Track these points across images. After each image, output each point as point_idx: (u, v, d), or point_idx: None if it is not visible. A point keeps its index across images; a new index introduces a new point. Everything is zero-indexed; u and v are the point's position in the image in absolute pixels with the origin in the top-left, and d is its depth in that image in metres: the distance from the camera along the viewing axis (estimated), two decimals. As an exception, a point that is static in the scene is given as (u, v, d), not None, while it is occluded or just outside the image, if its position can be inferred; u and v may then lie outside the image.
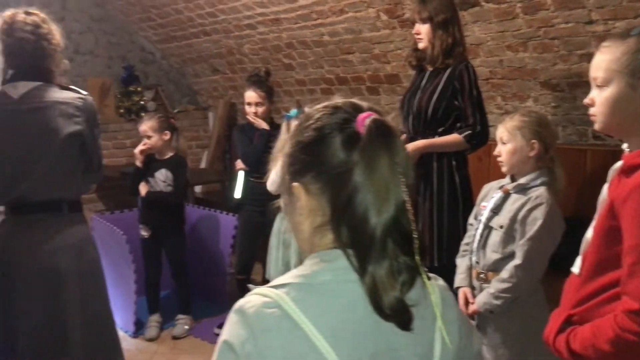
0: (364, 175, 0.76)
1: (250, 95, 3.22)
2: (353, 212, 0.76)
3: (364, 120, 0.78)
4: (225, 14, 4.02)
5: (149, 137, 3.21)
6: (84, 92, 2.08)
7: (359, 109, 0.82)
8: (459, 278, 2.00)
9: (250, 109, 3.22)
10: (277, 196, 3.00)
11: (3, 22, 1.97)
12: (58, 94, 1.98)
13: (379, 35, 3.36)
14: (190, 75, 5.32)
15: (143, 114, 4.87)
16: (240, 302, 0.77)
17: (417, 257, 0.78)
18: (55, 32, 2.02)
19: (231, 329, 0.76)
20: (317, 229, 0.82)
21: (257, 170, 3.27)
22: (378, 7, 3.15)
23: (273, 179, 2.89)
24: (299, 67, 4.14)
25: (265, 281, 3.24)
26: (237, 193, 3.37)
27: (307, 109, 2.78)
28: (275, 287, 0.78)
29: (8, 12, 2.00)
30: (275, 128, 3.28)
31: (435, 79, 2.39)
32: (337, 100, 0.85)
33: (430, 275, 0.84)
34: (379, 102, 3.77)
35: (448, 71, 2.34)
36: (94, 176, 2.17)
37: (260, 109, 3.20)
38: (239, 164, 3.35)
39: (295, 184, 0.82)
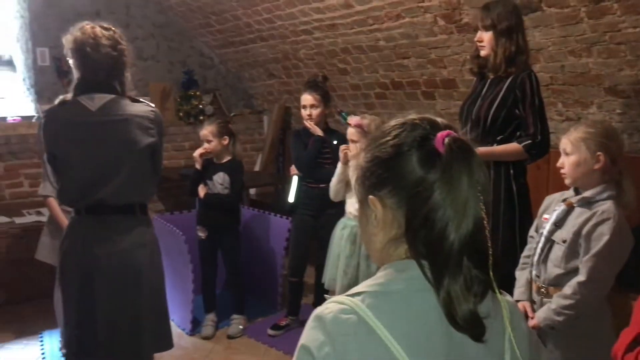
0: (444, 194, 0.78)
1: (306, 98, 3.26)
2: (431, 228, 0.78)
3: (443, 139, 0.80)
4: (282, 20, 4.08)
5: (209, 142, 3.31)
6: (152, 105, 2.20)
7: (436, 127, 0.84)
8: (518, 291, 1.96)
9: (305, 112, 3.27)
10: (331, 202, 3.05)
11: (85, 35, 2.03)
12: (133, 107, 2.09)
13: (436, 40, 3.33)
14: (246, 79, 5.43)
15: (201, 118, 5.02)
16: (318, 309, 0.81)
17: (491, 273, 0.80)
18: (125, 46, 2.12)
19: (309, 333, 0.79)
20: (391, 241, 0.85)
21: (310, 175, 3.32)
22: (435, 12, 3.13)
23: (331, 186, 2.93)
24: (354, 72, 4.16)
25: (318, 285, 3.27)
26: (291, 197, 3.42)
27: (352, 119, 2.81)
28: (351, 295, 0.81)
29: (87, 26, 2.06)
30: (329, 133, 3.31)
31: (496, 87, 2.35)
32: (413, 115, 0.87)
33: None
34: (435, 107, 3.74)
35: (510, 79, 2.30)
36: (156, 180, 2.27)
37: (315, 112, 3.24)
38: (293, 169, 3.40)
39: (371, 197, 0.85)
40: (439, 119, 0.86)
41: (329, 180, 3.12)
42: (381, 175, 0.84)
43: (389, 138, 0.84)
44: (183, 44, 5.14)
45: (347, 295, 0.81)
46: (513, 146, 2.31)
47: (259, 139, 5.60)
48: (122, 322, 2.08)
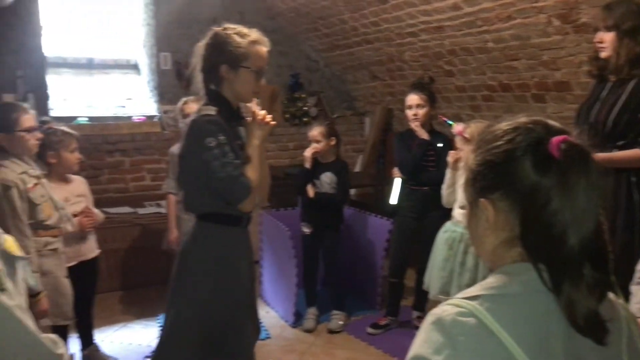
0: (563, 200, 0.78)
1: (412, 97, 3.27)
2: (549, 233, 0.79)
3: (558, 144, 0.80)
4: (389, 23, 4.13)
5: (317, 142, 3.42)
6: (205, 113, 1.94)
7: (551, 131, 0.83)
8: (636, 308, 1.86)
9: (410, 112, 3.28)
10: (434, 204, 3.05)
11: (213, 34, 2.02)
12: (192, 117, 2.02)
13: (549, 41, 3.22)
14: (349, 81, 5.54)
15: (305, 119, 5.20)
16: (435, 312, 0.82)
17: (612, 276, 0.81)
18: (224, 46, 1.97)
19: (426, 336, 0.80)
20: (503, 243, 0.85)
21: (414, 178, 3.33)
22: (550, 12, 3.02)
23: (445, 193, 2.93)
24: (460, 74, 4.11)
25: (419, 288, 3.29)
26: (393, 199, 3.45)
27: (455, 127, 2.75)
28: (467, 298, 0.82)
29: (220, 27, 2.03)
30: (434, 135, 3.31)
31: (618, 90, 2.24)
32: (525, 119, 0.86)
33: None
34: (545, 110, 3.61)
35: (633, 82, 2.19)
36: (226, 197, 2.03)
37: (421, 112, 3.25)
38: (396, 171, 3.43)
39: (482, 199, 0.86)
40: (552, 122, 0.85)
41: (432, 183, 3.12)
42: (493, 179, 0.84)
43: (501, 142, 0.84)
44: (291, 48, 5.34)
45: (463, 298, 0.82)
46: (635, 152, 2.19)
47: (360, 140, 5.68)
48: (254, 314, 2.19)
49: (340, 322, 3.53)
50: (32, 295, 2.25)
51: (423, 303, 3.41)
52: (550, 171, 0.79)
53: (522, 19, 3.22)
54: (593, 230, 0.79)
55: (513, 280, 0.82)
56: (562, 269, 0.78)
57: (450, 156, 2.82)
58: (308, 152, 3.43)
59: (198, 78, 2.02)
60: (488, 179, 0.85)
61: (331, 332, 3.47)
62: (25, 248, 2.25)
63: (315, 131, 3.45)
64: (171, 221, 3.31)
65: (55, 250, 2.47)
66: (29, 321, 0.82)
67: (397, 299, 3.51)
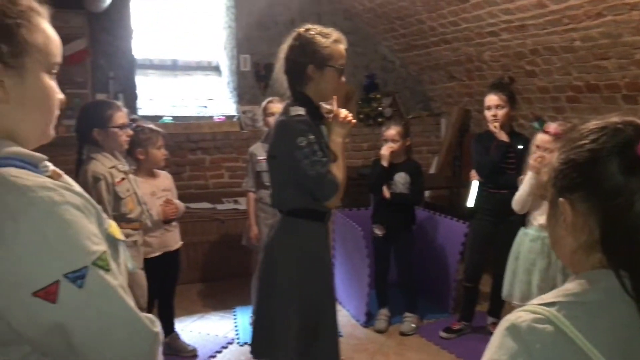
0: None
1: (491, 98, 3.19)
2: (633, 238, 0.76)
3: None
4: (468, 22, 4.05)
5: (394, 141, 3.42)
6: (293, 113, 1.99)
7: None
8: None
9: (489, 113, 3.20)
10: (513, 209, 2.95)
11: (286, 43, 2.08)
12: (281, 117, 2.06)
13: (643, 39, 3.04)
14: (426, 82, 5.47)
15: (380, 120, 5.19)
16: (510, 318, 0.80)
17: None
18: (309, 46, 2.01)
19: (500, 343, 0.78)
20: (581, 247, 0.83)
21: (492, 181, 3.24)
22: (645, 8, 2.86)
23: (519, 198, 2.82)
24: (543, 74, 3.96)
25: (494, 293, 3.20)
26: (470, 202, 3.38)
27: (550, 126, 2.60)
28: (544, 304, 0.79)
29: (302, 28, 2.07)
30: (514, 137, 3.21)
31: None
32: (616, 118, 0.83)
33: None
34: (638, 112, 3.39)
35: None
36: (314, 194, 2.06)
37: (500, 112, 3.16)
38: (474, 174, 3.36)
39: (561, 199, 0.84)
40: None
41: (511, 187, 3.02)
42: (575, 178, 0.82)
43: (586, 141, 0.82)
44: (367, 48, 5.35)
45: (539, 305, 0.79)
46: None
47: (435, 141, 5.60)
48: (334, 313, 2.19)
49: (413, 325, 3.50)
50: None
51: (499, 309, 3.32)
52: (637, 174, 0.76)
53: (613, 16, 3.06)
54: None
55: (593, 287, 0.79)
56: None
57: (533, 159, 2.70)
58: (385, 151, 3.41)
59: (282, 79, 2.08)
60: (569, 179, 0.83)
61: (403, 334, 3.45)
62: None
63: (393, 130, 3.43)
64: (251, 218, 3.40)
65: (134, 242, 2.61)
66: (130, 300, 0.89)
67: (471, 304, 3.44)
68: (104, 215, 0.94)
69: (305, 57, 2.00)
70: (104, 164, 2.47)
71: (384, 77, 5.46)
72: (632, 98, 3.42)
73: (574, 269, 0.86)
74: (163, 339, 0.99)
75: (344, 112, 2.07)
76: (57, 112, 0.96)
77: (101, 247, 0.86)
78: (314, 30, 2.03)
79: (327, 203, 2.01)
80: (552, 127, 2.64)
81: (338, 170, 1.99)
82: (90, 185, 2.39)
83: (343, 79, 2.09)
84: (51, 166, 0.94)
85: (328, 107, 2.25)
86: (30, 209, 0.79)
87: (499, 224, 3.23)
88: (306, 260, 2.07)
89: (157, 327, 0.94)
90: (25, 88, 0.88)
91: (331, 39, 2.02)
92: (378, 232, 3.56)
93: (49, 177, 0.91)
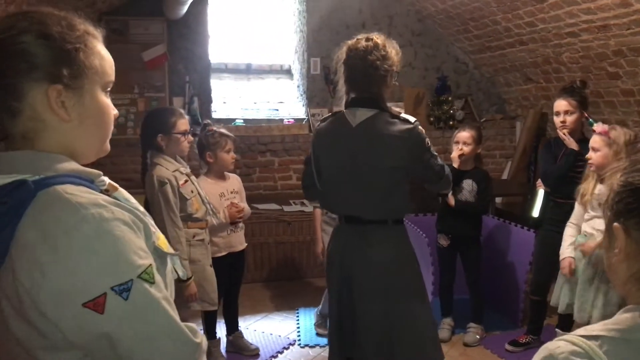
0: None
1: (560, 103, 3.05)
2: None
3: None
4: (545, 23, 3.88)
5: (466, 144, 3.32)
6: (412, 120, 2.12)
7: None
8: None
9: (558, 119, 3.06)
10: None
11: (346, 48, 2.17)
12: (389, 127, 2.09)
13: None
14: (500, 84, 5.29)
15: (451, 123, 5.08)
16: (549, 347, 0.78)
17: None
18: (389, 57, 2.13)
19: None
20: (634, 276, 0.78)
21: (558, 190, 3.09)
22: None
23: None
24: (627, 76, 3.72)
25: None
26: (535, 211, 3.28)
27: (597, 126, 2.63)
28: (586, 337, 0.76)
29: (352, 40, 2.17)
30: (585, 144, 3.04)
31: None
32: None
33: None
34: None
35: None
36: (435, 187, 2.36)
37: (570, 119, 3.02)
38: (540, 183, 3.23)
39: (615, 224, 0.80)
40: None
41: None
42: (631, 204, 0.78)
43: None
44: (439, 50, 5.24)
45: (582, 336, 0.76)
46: None
47: (510, 145, 5.40)
48: (377, 329, 2.18)
49: (477, 336, 3.40)
50: (182, 280, 2.51)
51: (569, 323, 3.16)
52: None
53: None
54: None
55: None
56: None
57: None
58: (456, 154, 3.32)
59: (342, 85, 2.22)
60: (625, 203, 0.79)
61: (466, 345, 3.36)
62: (177, 238, 2.51)
63: (467, 133, 3.33)
64: (317, 234, 3.41)
65: (202, 240, 2.72)
66: (173, 311, 0.93)
67: (539, 318, 3.29)
68: (153, 229, 0.99)
69: (390, 65, 2.14)
70: (167, 168, 2.59)
71: (456, 79, 5.33)
72: None
73: (626, 296, 0.81)
74: (206, 348, 1.03)
75: None
76: (112, 128, 1.02)
77: (147, 260, 0.91)
78: (376, 38, 2.17)
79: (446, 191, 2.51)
80: (599, 127, 2.63)
81: None
82: (157, 189, 2.52)
83: (396, 82, 2.25)
84: (107, 180, 1.00)
85: (398, 110, 2.35)
86: (83, 225, 0.85)
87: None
88: (416, 266, 2.29)
89: (199, 337, 0.98)
90: (84, 107, 0.94)
91: (391, 44, 2.19)
92: (443, 242, 3.48)
93: (106, 190, 0.98)
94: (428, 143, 2.15)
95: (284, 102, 5.21)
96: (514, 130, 5.38)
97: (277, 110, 5.13)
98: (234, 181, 3.20)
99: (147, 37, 4.57)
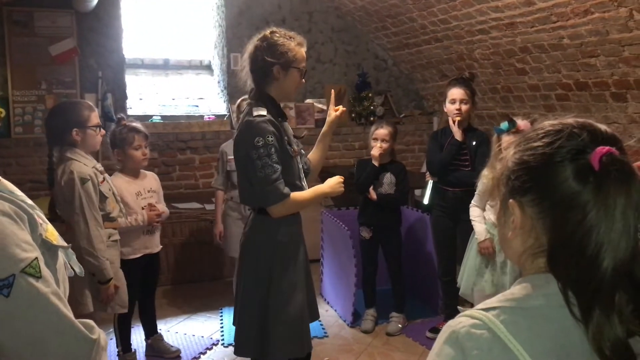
0: (599, 216, 0.72)
1: (457, 91, 3.20)
2: (582, 252, 0.73)
3: (600, 156, 0.73)
4: (458, 20, 4.02)
5: (384, 141, 3.39)
6: (256, 114, 2.03)
7: (596, 139, 0.76)
8: None
9: (453, 106, 3.19)
10: (466, 205, 2.97)
11: (251, 44, 2.15)
12: (246, 117, 2.07)
13: (631, 36, 3.00)
14: (418, 80, 5.44)
15: (372, 118, 5.16)
16: (451, 324, 0.79)
17: None
18: (275, 48, 2.05)
19: (439, 350, 0.78)
20: (528, 250, 0.81)
21: (442, 179, 3.25)
22: (632, 6, 2.82)
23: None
24: (533, 72, 3.93)
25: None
26: (426, 199, 3.51)
27: (520, 122, 2.68)
28: (485, 309, 0.77)
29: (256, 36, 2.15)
30: (470, 132, 3.21)
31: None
32: (572, 121, 0.80)
33: None
34: (626, 109, 3.37)
35: None
36: (254, 192, 2.09)
37: (465, 107, 3.19)
38: (428, 174, 3.40)
39: (511, 200, 0.81)
40: (602, 128, 0.78)
41: (466, 184, 3.04)
42: (526, 181, 0.79)
43: (540, 144, 0.79)
44: (359, 47, 5.32)
45: (481, 309, 0.78)
46: None
47: (427, 140, 5.56)
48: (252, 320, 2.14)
49: (399, 325, 3.47)
50: (102, 282, 2.38)
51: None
52: (588, 183, 0.73)
53: (600, 13, 3.03)
54: (630, 254, 0.72)
55: (536, 292, 0.77)
56: (594, 294, 0.72)
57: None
58: (376, 152, 3.39)
59: (245, 77, 2.15)
60: (521, 181, 0.80)
61: (389, 334, 3.42)
62: (101, 238, 2.38)
63: (385, 130, 3.41)
64: (218, 216, 3.47)
65: (116, 241, 2.59)
66: (64, 307, 0.86)
67: (453, 301, 3.39)
68: (40, 220, 0.91)
69: (273, 57, 2.05)
70: (86, 164, 2.44)
71: (376, 76, 5.43)
72: (621, 96, 3.39)
73: (520, 267, 0.84)
74: (106, 345, 0.97)
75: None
76: None
77: (32, 254, 0.84)
78: (280, 32, 2.11)
79: (269, 209, 2.04)
80: (523, 124, 2.64)
81: (300, 196, 2.08)
82: (79, 186, 2.36)
83: (304, 80, 2.18)
84: None
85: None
86: None
87: (456, 221, 3.23)
88: (277, 254, 2.10)
89: (96, 333, 0.92)
90: None
91: (295, 41, 2.11)
92: (365, 234, 3.53)
93: None
94: (259, 142, 1.96)
95: (204, 98, 5.09)
96: (432, 126, 5.55)
97: (197, 106, 5.01)
98: (151, 180, 3.07)
99: (55, 30, 4.31)
